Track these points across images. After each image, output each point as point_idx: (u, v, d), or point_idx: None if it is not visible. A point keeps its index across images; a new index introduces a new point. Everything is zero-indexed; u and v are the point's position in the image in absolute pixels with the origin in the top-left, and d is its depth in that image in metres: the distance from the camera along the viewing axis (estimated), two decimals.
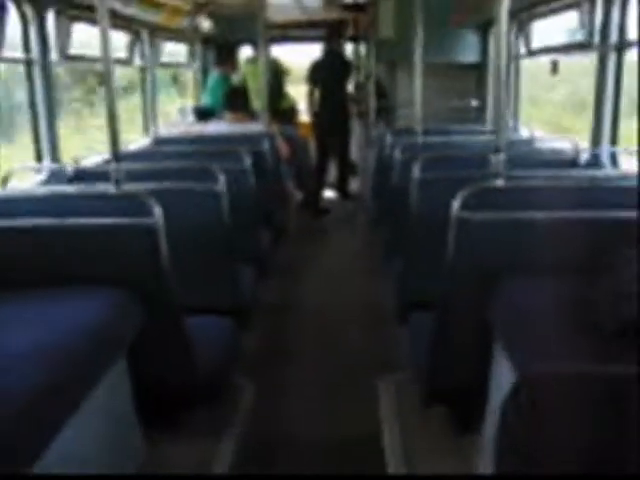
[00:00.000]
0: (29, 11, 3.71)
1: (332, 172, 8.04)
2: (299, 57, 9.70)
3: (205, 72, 7.63)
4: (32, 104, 3.85)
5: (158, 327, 2.39)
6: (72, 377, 1.86)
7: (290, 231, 6.29)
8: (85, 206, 2.69)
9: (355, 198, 8.03)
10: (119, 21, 4.98)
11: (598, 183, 2.78)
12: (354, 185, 8.32)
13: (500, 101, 2.54)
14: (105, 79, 2.57)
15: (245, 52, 8.01)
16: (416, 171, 3.12)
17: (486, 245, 2.26)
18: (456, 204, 2.29)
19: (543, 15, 4.89)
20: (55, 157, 3.91)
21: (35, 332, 1.95)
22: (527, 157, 3.63)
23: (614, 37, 3.75)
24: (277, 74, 7.47)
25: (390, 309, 3.92)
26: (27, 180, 3.70)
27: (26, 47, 3.77)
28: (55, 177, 3.67)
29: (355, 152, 8.40)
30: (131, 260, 2.36)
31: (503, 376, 2.16)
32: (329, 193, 8.13)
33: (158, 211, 2.37)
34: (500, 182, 2.50)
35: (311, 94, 7.57)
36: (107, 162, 4.04)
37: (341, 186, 8.05)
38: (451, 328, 2.45)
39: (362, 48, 8.60)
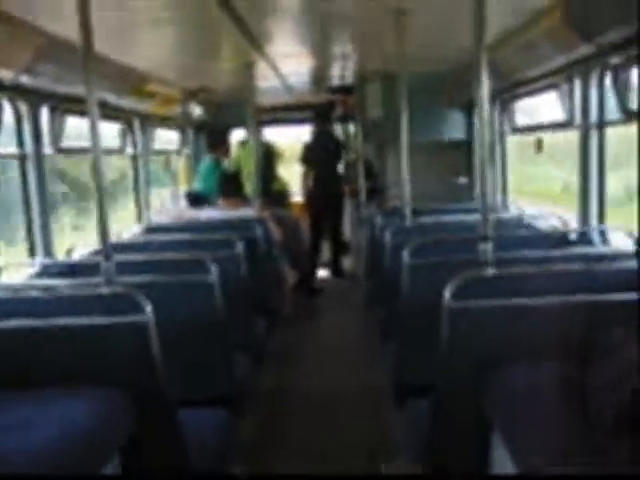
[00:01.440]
0: (23, 107, 3.78)
1: (325, 251, 8.08)
2: (285, 138, 9.91)
3: (197, 157, 7.75)
4: (25, 199, 3.89)
5: (151, 424, 2.35)
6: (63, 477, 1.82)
7: (285, 314, 6.26)
8: (76, 303, 2.69)
9: (348, 277, 8.04)
10: (111, 111, 5.08)
11: (590, 263, 2.79)
12: (347, 263, 8.35)
13: (485, 185, 2.56)
14: (95, 171, 2.59)
15: (237, 135, 8.14)
16: (406, 256, 3.14)
17: (479, 333, 2.26)
18: (447, 294, 2.29)
19: (524, 96, 5.01)
20: (48, 252, 3.92)
21: (24, 436, 1.91)
22: (516, 238, 3.66)
23: (594, 116, 3.85)
24: (269, 157, 7.60)
25: (386, 394, 3.88)
26: (18, 272, 3.71)
27: (20, 142, 3.83)
28: (47, 270, 3.67)
29: (347, 231, 8.47)
30: (123, 359, 2.34)
31: (501, 464, 2.13)
32: (322, 272, 8.14)
33: (149, 308, 2.36)
34: (490, 270, 2.51)
35: (306, 175, 7.68)
36: (97, 254, 4.07)
37: (334, 265, 8.08)
38: (447, 415, 2.42)
39: (351, 128, 8.77)
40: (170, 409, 2.44)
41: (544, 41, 3.83)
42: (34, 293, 2.87)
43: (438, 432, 2.46)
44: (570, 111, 4.11)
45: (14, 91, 3.59)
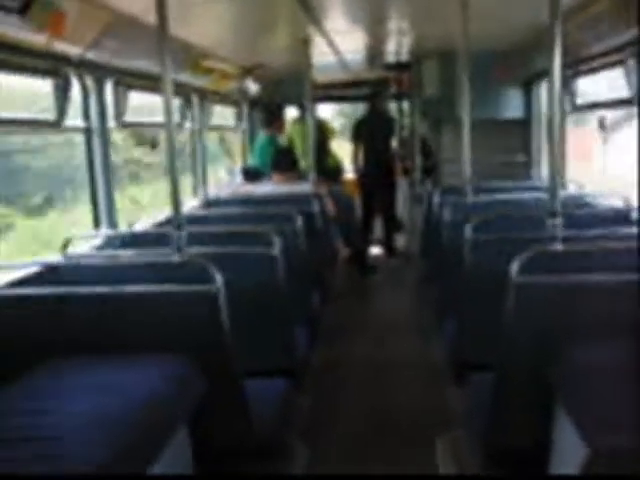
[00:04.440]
0: (89, 82, 3.86)
1: (377, 229, 8.08)
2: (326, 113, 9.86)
3: (252, 133, 7.80)
4: (91, 171, 3.98)
5: (218, 394, 2.41)
6: (135, 448, 1.88)
7: (338, 290, 6.29)
8: (142, 272, 2.76)
9: (401, 255, 8.03)
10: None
11: None
12: (400, 242, 8.33)
13: (555, 162, 2.53)
14: (168, 145, 2.65)
15: (290, 113, 8.17)
16: (468, 232, 3.13)
17: (545, 309, 2.26)
18: (514, 268, 2.29)
19: (587, 73, 4.91)
20: (112, 223, 4.01)
21: (98, 401, 1.98)
22: (580, 216, 3.62)
23: None
24: (323, 134, 7.61)
25: (443, 368, 3.89)
26: (83, 245, 3.81)
27: (86, 116, 3.92)
28: (110, 242, 3.76)
29: (400, 209, 8.43)
30: (193, 328, 2.40)
31: (567, 441, 2.12)
32: (375, 250, 8.15)
33: (219, 278, 2.41)
34: (558, 246, 2.49)
35: (356, 152, 7.66)
36: (160, 226, 4.15)
37: (387, 243, 8.07)
38: (510, 391, 2.43)
39: (405, 105, 8.71)
40: (237, 378, 2.49)
41: (610, 16, 3.74)
42: (103, 261, 2.95)
43: (501, 407, 2.47)
44: (637, 88, 4.01)
45: (81, 67, 3.66)
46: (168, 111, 2.65)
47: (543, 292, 2.27)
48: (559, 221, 2.49)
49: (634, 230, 3.33)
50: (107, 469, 1.67)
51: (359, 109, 8.85)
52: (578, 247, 2.58)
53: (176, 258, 2.67)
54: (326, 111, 9.65)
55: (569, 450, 2.11)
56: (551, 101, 2.53)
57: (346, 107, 9.24)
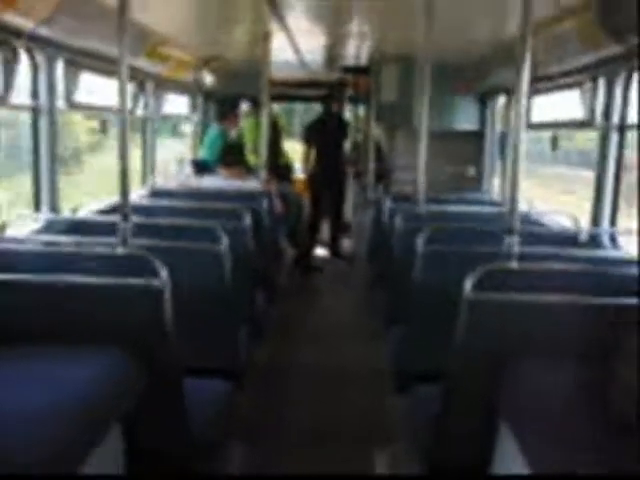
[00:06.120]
0: (40, 59, 3.71)
1: (324, 231, 8.05)
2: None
3: (204, 125, 7.68)
4: (35, 151, 3.82)
5: (157, 392, 2.32)
6: (70, 442, 1.80)
7: (284, 290, 6.24)
8: (85, 261, 2.65)
9: (347, 258, 8.02)
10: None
11: (607, 266, 2.77)
12: (346, 245, 8.31)
13: (516, 180, 2.52)
14: (121, 130, 2.55)
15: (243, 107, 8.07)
16: (420, 243, 3.11)
17: (497, 326, 2.24)
18: (468, 284, 2.27)
19: (543, 92, 4.96)
20: (54, 206, 3.87)
21: (32, 393, 1.88)
22: (532, 235, 3.64)
23: (616, 117, 3.81)
24: (275, 130, 7.53)
25: (387, 375, 3.87)
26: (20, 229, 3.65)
27: (34, 94, 3.77)
28: (51, 227, 3.63)
29: (348, 212, 8.42)
30: (135, 322, 2.31)
31: (509, 458, 2.11)
32: (320, 251, 8.12)
33: (165, 273, 2.33)
34: (514, 264, 2.48)
35: (307, 154, 7.62)
36: (105, 213, 4.02)
37: (333, 245, 8.05)
38: (455, 405, 2.41)
39: (361, 109, 8.70)
40: (177, 377, 2.41)
41: (572, 37, 3.78)
42: (41, 248, 2.83)
43: (445, 420, 2.45)
44: (591, 111, 4.06)
45: (33, 41, 3.52)
46: (123, 96, 2.55)
47: (496, 309, 2.25)
48: (516, 239, 2.49)
49: (585, 252, 3.36)
50: (31, 467, 1.58)
51: (311, 109, 8.81)
52: (534, 266, 2.58)
53: (121, 250, 2.57)
54: (275, 108, 9.57)
55: (510, 466, 2.10)
56: (516, 116, 2.51)
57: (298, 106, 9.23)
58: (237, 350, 3.29)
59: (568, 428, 1.79)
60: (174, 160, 7.23)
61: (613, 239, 3.79)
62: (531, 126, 5.34)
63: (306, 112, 8.89)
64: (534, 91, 5.04)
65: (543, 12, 3.78)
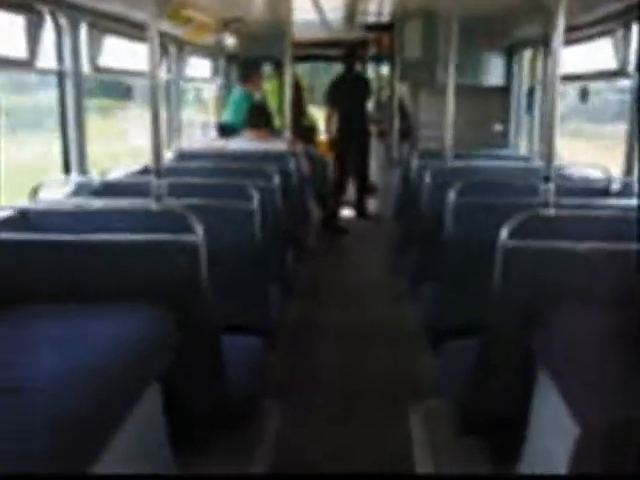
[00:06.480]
0: (64, 22, 3.70)
1: (350, 191, 8.02)
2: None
3: (228, 88, 7.64)
4: (62, 115, 3.83)
5: (194, 347, 2.34)
6: (108, 400, 1.80)
7: (312, 250, 6.25)
8: (118, 219, 2.66)
9: (373, 218, 7.99)
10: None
11: (634, 213, 2.73)
12: (372, 205, 8.28)
13: (552, 132, 2.48)
14: (152, 93, 2.54)
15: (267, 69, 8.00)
16: (451, 196, 3.08)
17: (534, 274, 2.22)
18: (504, 233, 2.24)
19: (574, 42, 4.85)
20: (83, 169, 3.88)
21: (69, 351, 1.89)
22: (562, 186, 3.60)
23: None
24: (298, 92, 7.47)
25: (417, 333, 3.87)
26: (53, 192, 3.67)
27: (59, 58, 3.76)
28: (82, 189, 3.64)
29: (374, 172, 8.36)
30: (170, 279, 2.31)
31: (549, 407, 2.11)
32: (347, 212, 8.10)
33: (200, 229, 2.33)
34: (551, 211, 2.45)
35: (330, 114, 7.55)
36: (135, 175, 4.03)
37: (360, 206, 8.02)
38: (494, 358, 2.39)
39: (384, 68, 8.59)
40: (213, 333, 2.42)
41: None
42: (76, 208, 2.84)
43: (481, 375, 2.44)
44: (624, 60, 3.97)
45: (56, 4, 3.50)
46: (153, 60, 2.54)
47: (532, 258, 2.22)
48: (552, 186, 2.45)
49: (617, 201, 3.31)
50: (74, 425, 1.59)
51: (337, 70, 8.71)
52: (570, 213, 2.54)
53: (154, 206, 2.57)
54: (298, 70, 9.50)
55: (549, 414, 2.09)
56: (552, 68, 2.46)
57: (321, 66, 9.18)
58: (268, 308, 3.30)
59: (606, 373, 1.78)
60: (198, 124, 7.20)
61: None
62: (564, 78, 5.24)
63: (330, 74, 8.79)
64: (566, 42, 4.94)
65: None
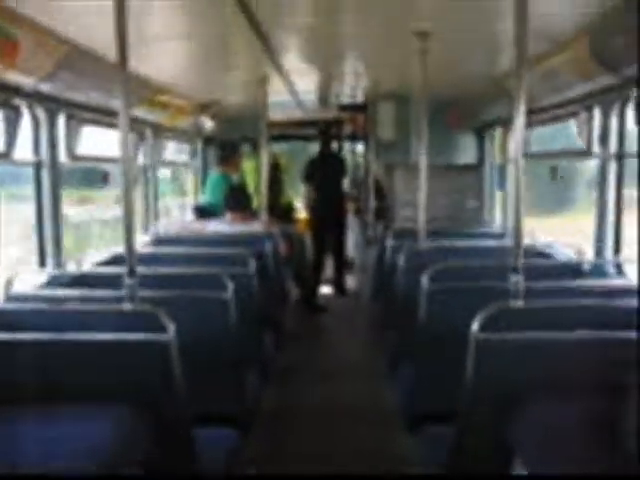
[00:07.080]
0: (41, 115, 3.76)
1: (328, 269, 8.05)
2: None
3: (205, 170, 7.74)
4: (38, 206, 3.85)
5: (166, 446, 2.30)
6: None
7: (290, 331, 6.22)
8: (91, 317, 2.64)
9: (351, 295, 8.00)
10: None
11: (606, 298, 2.78)
12: (350, 282, 8.30)
13: (519, 215, 2.50)
14: (124, 180, 2.53)
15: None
16: (424, 282, 3.10)
17: (506, 365, 2.23)
18: (476, 325, 2.26)
19: (539, 123, 5.00)
20: (59, 262, 3.87)
21: (41, 453, 1.87)
22: (534, 268, 3.64)
23: (613, 146, 3.84)
24: (276, 171, 7.59)
25: (394, 415, 3.84)
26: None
27: (36, 149, 3.81)
28: (56, 280, 3.63)
29: (351, 249, 8.42)
30: (143, 377, 2.29)
31: None
32: (325, 289, 8.11)
33: (172, 328, 2.32)
34: (519, 303, 2.47)
35: (308, 192, 7.66)
36: (109, 264, 4.02)
37: (338, 283, 8.05)
38: (468, 446, 2.38)
39: (360, 146, 8.76)
40: (187, 429, 2.39)
41: (566, 69, 3.82)
42: (47, 306, 2.81)
43: (456, 460, 2.42)
44: (588, 141, 4.10)
45: (34, 98, 3.56)
46: (125, 146, 2.55)
47: (504, 348, 2.24)
48: (521, 277, 2.47)
49: (589, 283, 3.36)
50: None
51: (310, 148, 8.89)
52: (540, 303, 2.57)
53: (128, 306, 2.55)
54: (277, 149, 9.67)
55: None
56: (517, 149, 2.50)
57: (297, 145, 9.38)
58: (244, 396, 3.26)
59: (581, 462, 1.78)
60: (176, 206, 7.27)
61: (619, 267, 3.78)
62: (530, 156, 5.38)
63: (307, 153, 8.98)
64: (531, 123, 5.09)
65: (537, 48, 3.83)
